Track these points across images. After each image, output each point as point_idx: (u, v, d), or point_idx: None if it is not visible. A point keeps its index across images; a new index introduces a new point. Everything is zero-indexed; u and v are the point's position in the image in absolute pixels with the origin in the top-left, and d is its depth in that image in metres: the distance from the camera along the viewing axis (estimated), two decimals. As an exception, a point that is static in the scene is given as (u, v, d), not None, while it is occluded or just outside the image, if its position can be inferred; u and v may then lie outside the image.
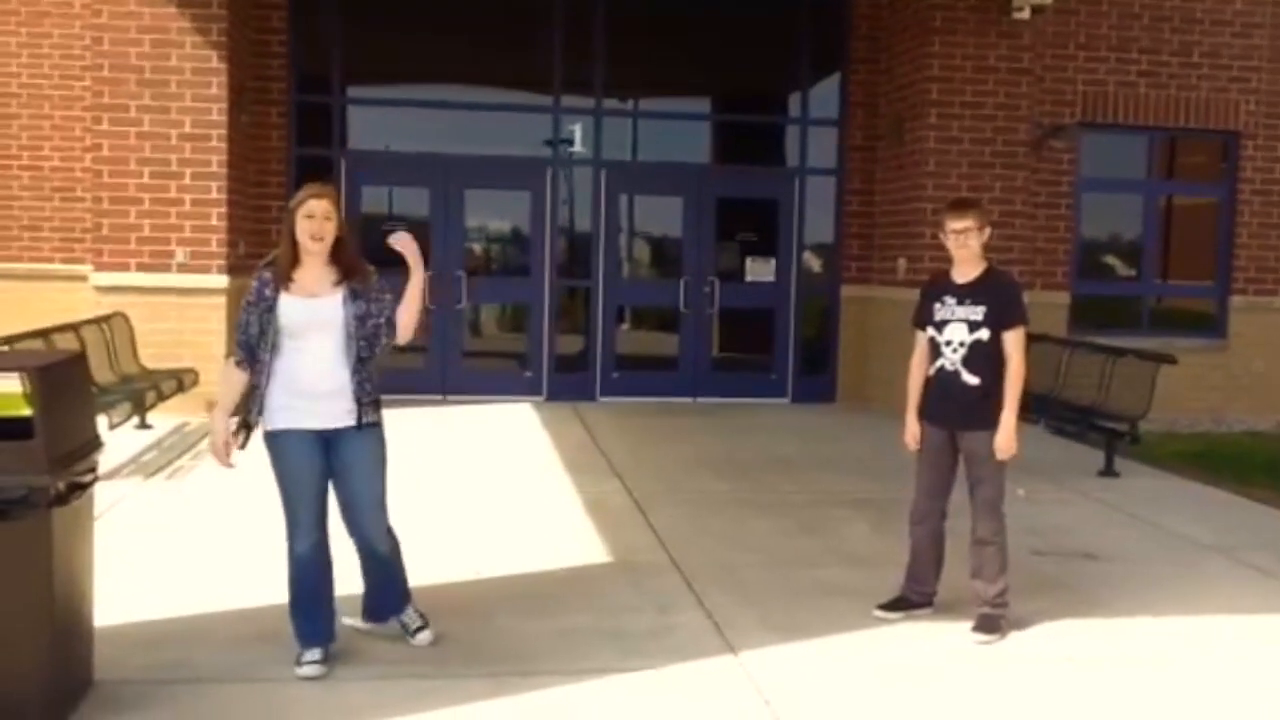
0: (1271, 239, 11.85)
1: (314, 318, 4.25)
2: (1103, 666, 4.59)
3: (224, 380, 4.35)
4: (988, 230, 4.97)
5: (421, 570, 5.48)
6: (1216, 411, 11.45)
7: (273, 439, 4.32)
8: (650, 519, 6.73)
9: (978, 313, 4.88)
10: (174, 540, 6.06)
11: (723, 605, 5.14)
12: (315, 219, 4.30)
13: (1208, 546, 6.57)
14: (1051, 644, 4.83)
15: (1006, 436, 4.86)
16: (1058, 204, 11.44)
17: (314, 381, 4.25)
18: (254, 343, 4.25)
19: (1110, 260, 12.45)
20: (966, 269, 4.98)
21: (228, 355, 4.19)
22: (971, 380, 4.91)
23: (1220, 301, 11.95)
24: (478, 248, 11.79)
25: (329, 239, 4.30)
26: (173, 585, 5.27)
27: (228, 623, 4.80)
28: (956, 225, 4.93)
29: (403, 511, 6.82)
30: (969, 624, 4.94)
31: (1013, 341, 4.87)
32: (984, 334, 4.87)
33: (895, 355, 11.22)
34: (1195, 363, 10.51)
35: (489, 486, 7.48)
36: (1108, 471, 8.49)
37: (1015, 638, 4.89)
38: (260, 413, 4.30)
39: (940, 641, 4.82)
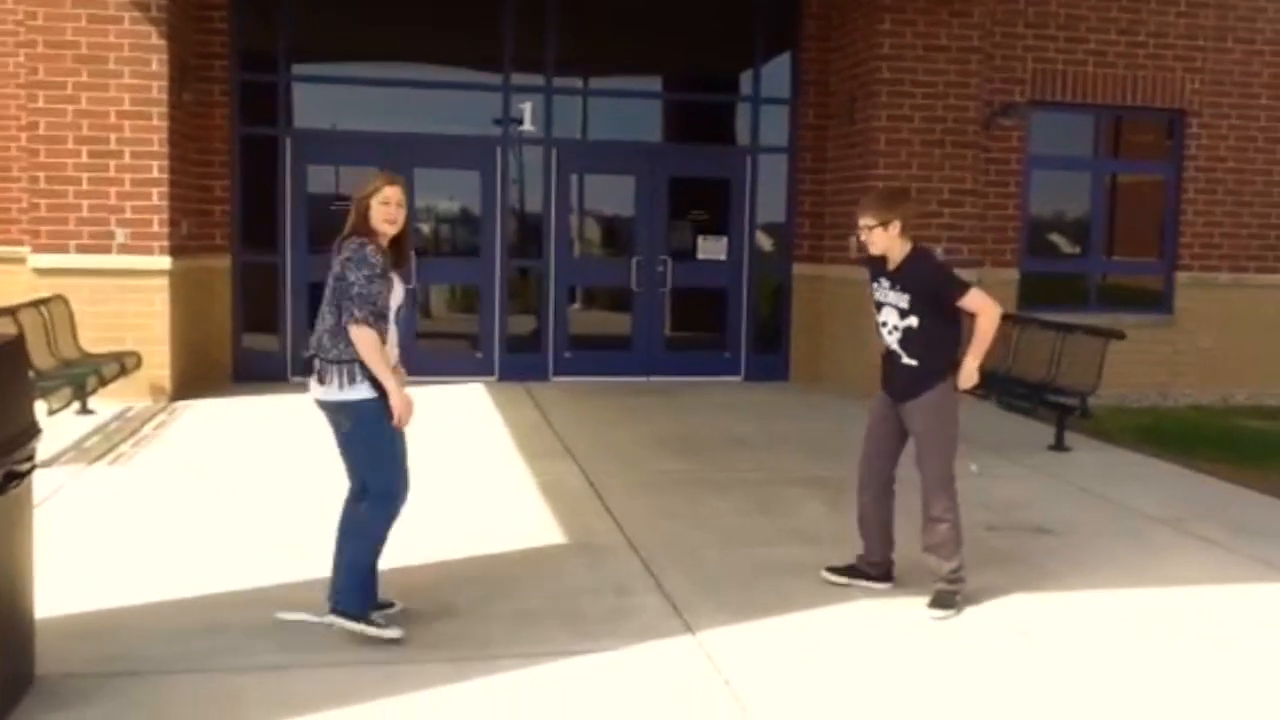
0: (1216, 216, 12.00)
1: (401, 297, 4.47)
2: (1057, 640, 4.62)
3: (374, 344, 4.26)
4: (896, 224, 4.91)
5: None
6: (1163, 386, 11.61)
7: (383, 406, 4.33)
8: (606, 501, 6.68)
9: (904, 300, 4.94)
10: (116, 528, 5.92)
11: (681, 586, 5.11)
12: (391, 205, 4.41)
13: (1156, 518, 6.64)
14: (1006, 618, 4.86)
15: (966, 375, 4.91)
16: (1007, 182, 11.50)
17: (394, 356, 4.45)
18: (383, 313, 4.30)
19: (1058, 237, 12.56)
20: (892, 255, 4.99)
21: (357, 321, 4.21)
22: (909, 362, 5.00)
23: (1166, 278, 12.08)
24: (428, 228, 11.64)
25: (400, 225, 4.42)
26: (116, 574, 5.15)
27: (173, 612, 4.69)
28: (859, 223, 5.01)
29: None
30: (926, 599, 4.95)
31: (969, 304, 4.89)
32: (913, 321, 4.93)
33: (847, 334, 11.29)
34: (1142, 338, 10.60)
35: (442, 469, 7.37)
36: (1058, 446, 8.57)
37: (971, 612, 4.91)
38: (355, 381, 4.28)
39: (896, 617, 4.83)
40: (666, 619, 4.70)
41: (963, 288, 4.90)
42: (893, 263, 4.99)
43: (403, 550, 5.49)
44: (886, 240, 4.94)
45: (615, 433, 8.84)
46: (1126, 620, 4.88)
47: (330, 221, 11.55)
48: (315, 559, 5.33)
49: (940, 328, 4.92)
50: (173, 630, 4.49)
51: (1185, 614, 4.99)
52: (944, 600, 4.92)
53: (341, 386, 4.27)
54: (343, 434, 4.43)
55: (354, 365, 4.24)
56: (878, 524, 5.21)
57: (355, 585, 4.41)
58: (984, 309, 4.91)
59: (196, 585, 4.99)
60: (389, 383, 4.30)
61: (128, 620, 4.61)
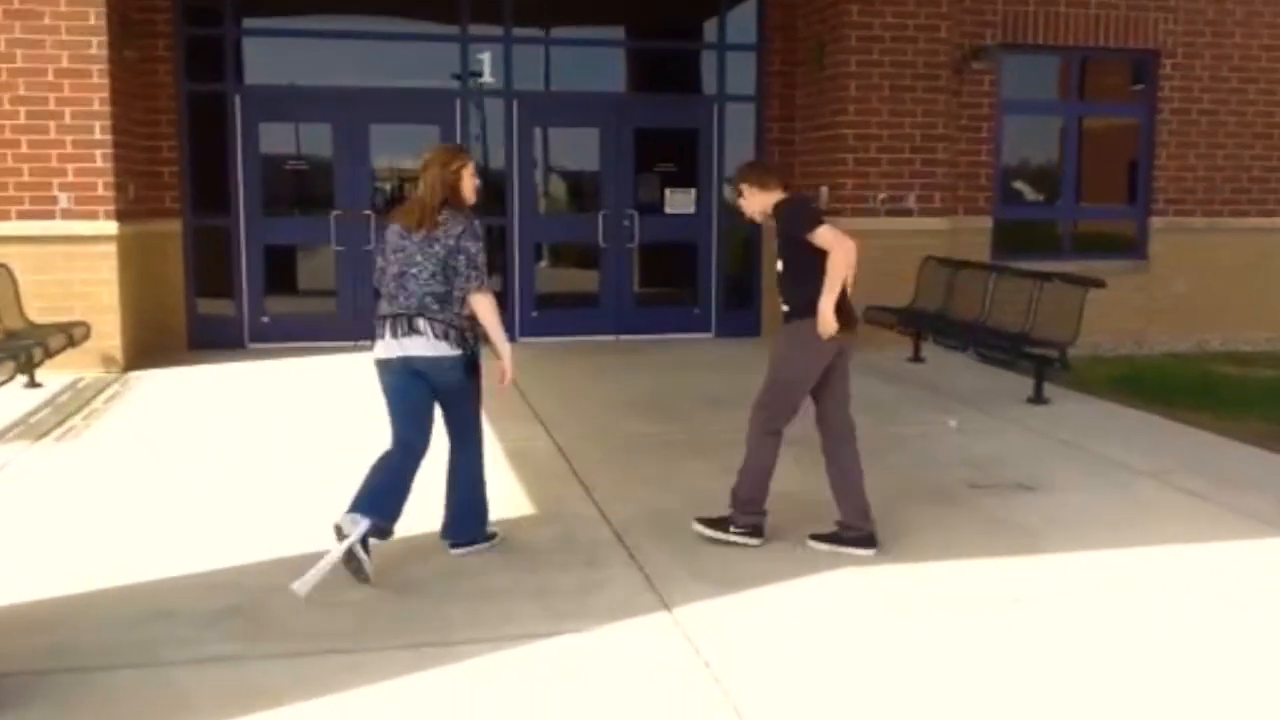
0: (1190, 159, 11.82)
1: None
2: (1050, 607, 4.43)
3: (495, 308, 4.78)
4: (747, 187, 5.09)
5: (327, 531, 5.15)
6: (1138, 334, 11.47)
7: (471, 364, 4.82)
8: (576, 466, 6.45)
9: (777, 247, 5.08)
10: (62, 509, 5.63)
11: (655, 557, 4.89)
12: (475, 177, 4.79)
13: (1140, 471, 6.48)
14: (996, 585, 4.66)
15: (821, 319, 4.81)
16: (979, 127, 11.26)
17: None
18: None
19: (1032, 184, 12.35)
20: (767, 212, 5.08)
21: (479, 288, 4.67)
22: (783, 306, 5.10)
23: (1140, 223, 11.92)
24: (386, 185, 11.28)
25: None
26: (60, 560, 4.87)
27: (119, 600, 4.43)
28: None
29: (308, 466, 6.49)
30: (912, 567, 4.77)
31: (817, 240, 4.79)
32: (779, 265, 5.07)
33: (819, 286, 11.03)
34: (1116, 285, 10.32)
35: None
36: (1037, 399, 8.40)
37: (960, 578, 4.72)
38: (460, 341, 4.68)
39: (884, 586, 4.62)
40: (640, 594, 4.47)
41: (810, 225, 4.82)
42: (769, 216, 5.05)
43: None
44: (751, 203, 5.09)
45: (585, 394, 8.60)
46: (1121, 583, 4.69)
47: (284, 182, 11.32)
48: (270, 537, 5.11)
49: (800, 270, 4.90)
50: (118, 620, 4.22)
51: (1182, 574, 4.81)
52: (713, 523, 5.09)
53: (452, 345, 4.62)
54: (455, 384, 4.75)
55: (460, 328, 4.64)
56: (832, 481, 5.14)
57: (481, 514, 4.97)
58: (833, 245, 4.77)
59: (145, 569, 4.72)
60: (504, 343, 4.88)
61: (71, 610, 4.35)
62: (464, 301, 4.65)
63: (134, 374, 9.32)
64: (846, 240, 4.78)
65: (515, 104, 11.06)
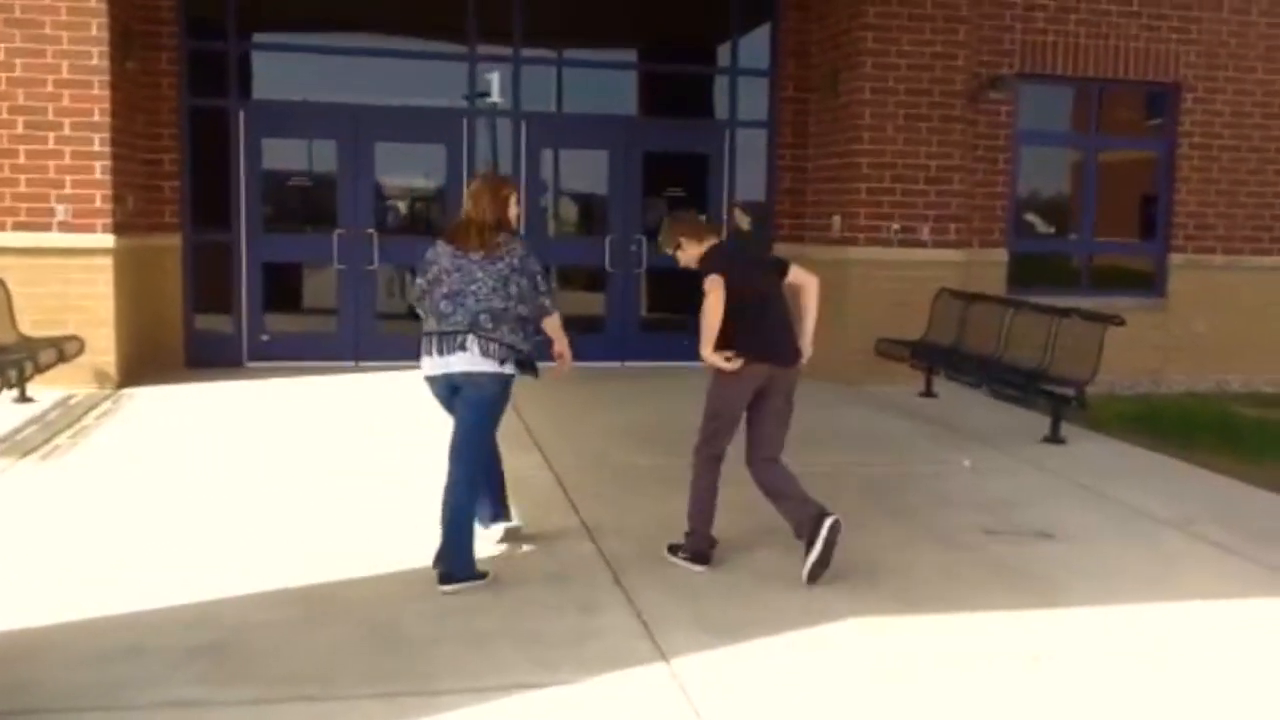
0: (1210, 195, 11.59)
1: None
2: (1072, 667, 4.16)
3: (561, 326, 5.12)
4: (691, 245, 5.21)
5: (313, 562, 4.93)
6: (1156, 372, 11.21)
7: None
8: (573, 498, 6.21)
9: None
10: (39, 532, 5.40)
11: (653, 601, 4.63)
12: (519, 204, 5.10)
13: (1164, 521, 6.21)
14: (1014, 641, 4.39)
15: (705, 360, 5.10)
16: (995, 158, 11.04)
17: None
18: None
19: (1048, 217, 12.13)
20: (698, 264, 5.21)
21: (553, 311, 5.02)
22: None
23: (1159, 259, 11.68)
24: (390, 204, 11.09)
25: None
26: (30, 587, 4.64)
27: (89, 633, 4.18)
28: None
29: (300, 490, 6.25)
30: (924, 619, 4.52)
31: (705, 286, 5.04)
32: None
33: (829, 317, 10.73)
34: (1134, 322, 10.02)
35: (397, 462, 6.88)
36: (1053, 438, 8.13)
37: (977, 633, 4.45)
38: (508, 361, 4.83)
39: (895, 637, 4.36)
40: (636, 641, 4.22)
41: (705, 273, 5.03)
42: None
43: (345, 558, 5.03)
44: (686, 254, 5.23)
45: (586, 423, 8.36)
46: (1148, 643, 4.42)
47: (287, 198, 11.14)
48: (255, 567, 4.86)
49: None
50: (86, 656, 3.98)
51: (1215, 633, 4.54)
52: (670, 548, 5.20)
53: (501, 362, 4.76)
54: (479, 399, 4.86)
55: (506, 344, 4.75)
56: (767, 494, 5.29)
57: (465, 549, 4.85)
58: (706, 292, 5.00)
59: (121, 600, 4.48)
60: (568, 349, 5.20)
61: (38, 643, 4.11)
62: (530, 322, 4.88)
63: (128, 391, 9.11)
64: (715, 291, 4.95)
65: (523, 125, 10.88)
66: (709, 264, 5.10)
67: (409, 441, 7.49)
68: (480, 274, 4.72)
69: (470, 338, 4.69)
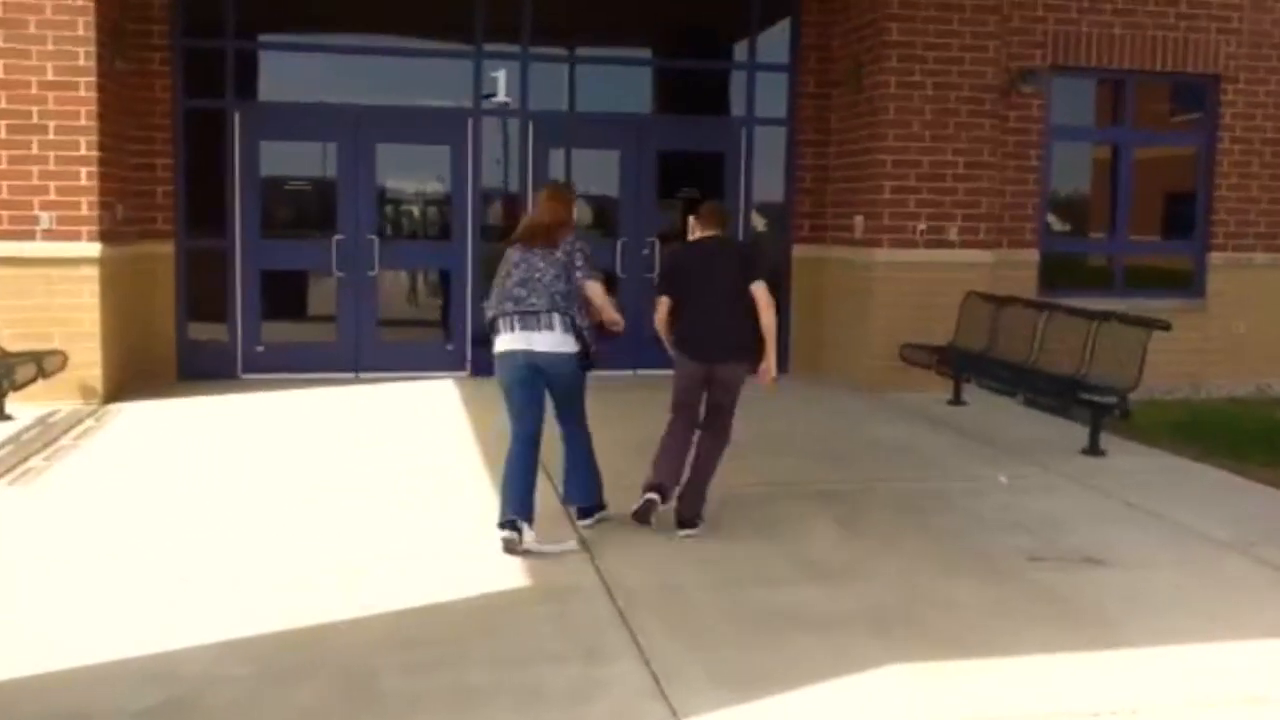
0: (1252, 191, 11.04)
1: None
2: (1139, 721, 3.67)
3: (604, 291, 5.53)
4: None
5: (292, 599, 4.48)
6: (1195, 376, 10.66)
7: None
8: (580, 526, 5.73)
9: None
10: (-5, 569, 4.96)
11: (664, 648, 4.14)
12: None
13: (1221, 543, 5.69)
14: (1071, 692, 3.88)
15: None
16: (1027, 154, 10.52)
17: None
18: None
19: (1081, 216, 11.60)
20: None
21: (588, 276, 5.43)
22: None
23: (1198, 259, 11.13)
24: (392, 208, 10.65)
25: None
26: (-26, 636, 4.19)
27: (30, 693, 3.73)
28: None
29: (287, 518, 5.79)
30: (968, 665, 4.03)
31: None
32: None
33: (852, 321, 10.33)
34: (1172, 323, 9.68)
35: (389, 485, 6.43)
36: (1093, 450, 7.62)
37: (1031, 685, 3.93)
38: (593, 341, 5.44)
39: (935, 694, 3.86)
40: (646, 700, 3.72)
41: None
42: None
43: (326, 594, 4.58)
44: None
45: (596, 438, 7.85)
46: (1225, 693, 3.92)
47: (285, 203, 10.72)
48: (227, 611, 4.40)
49: None
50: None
51: (1286, 679, 4.04)
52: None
53: (574, 343, 5.34)
54: (568, 380, 5.48)
55: (580, 327, 5.34)
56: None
57: (599, 484, 5.73)
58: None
59: (72, 651, 4.03)
60: (612, 310, 5.56)
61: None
62: (580, 297, 5.34)
63: (114, 406, 8.69)
64: (659, 298, 5.89)
65: (531, 125, 10.42)
66: (662, 267, 5.97)
67: (408, 460, 7.05)
68: (542, 263, 5.33)
69: (555, 316, 5.25)
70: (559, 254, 5.36)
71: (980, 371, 8.83)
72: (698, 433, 5.87)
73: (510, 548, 5.11)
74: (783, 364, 10.72)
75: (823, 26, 10.70)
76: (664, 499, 5.64)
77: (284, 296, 10.49)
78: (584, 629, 4.33)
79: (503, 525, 5.19)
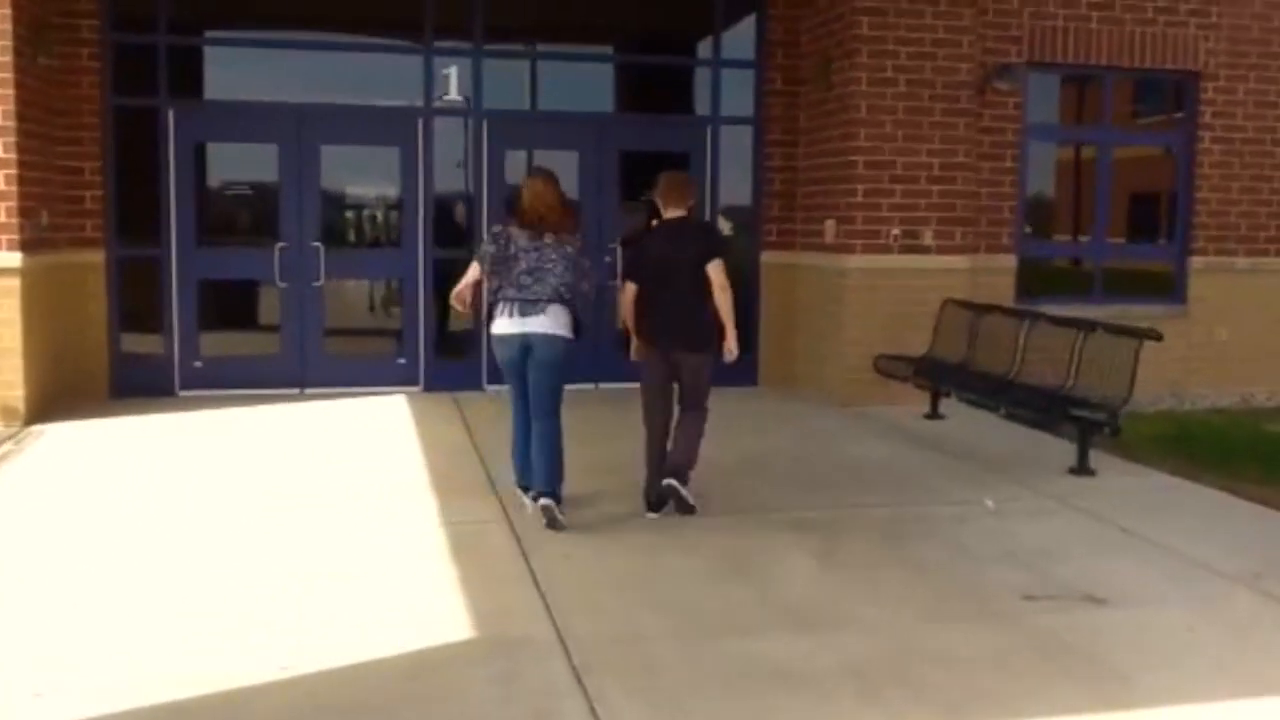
0: (1233, 193, 10.67)
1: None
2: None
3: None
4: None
5: (211, 662, 3.96)
6: (1176, 385, 10.28)
7: None
8: (533, 561, 5.22)
9: None
10: None
11: (626, 713, 3.65)
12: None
13: (1227, 575, 5.26)
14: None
15: None
16: (1002, 155, 10.10)
17: None
18: None
19: (1057, 218, 11.22)
20: None
21: (591, 285, 5.95)
22: None
23: (1178, 263, 10.76)
24: (338, 214, 10.08)
25: None
26: None
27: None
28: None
29: (205, 559, 5.09)
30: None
31: None
32: None
33: (824, 331, 9.86)
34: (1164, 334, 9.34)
35: (327, 518, 5.89)
36: (1081, 469, 7.20)
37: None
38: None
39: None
40: (603, 788, 3.24)
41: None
42: None
43: (247, 654, 4.04)
44: None
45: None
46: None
47: (223, 209, 10.14)
48: (127, 677, 3.85)
49: None
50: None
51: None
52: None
53: (567, 329, 5.74)
54: (553, 359, 5.74)
55: (576, 318, 5.79)
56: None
57: (561, 470, 5.85)
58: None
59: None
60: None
61: None
62: (585, 296, 5.81)
63: (37, 428, 8.09)
64: (624, 286, 6.14)
65: (485, 124, 9.88)
66: (626, 253, 6.29)
67: (351, 485, 6.50)
68: (554, 255, 5.71)
69: (554, 306, 5.66)
70: (569, 249, 5.75)
71: (959, 384, 8.40)
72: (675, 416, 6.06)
73: (551, 519, 5.68)
74: (751, 377, 10.37)
75: (790, 21, 10.25)
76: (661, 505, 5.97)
77: (224, 308, 9.90)
78: (532, 692, 3.82)
79: (526, 489, 5.97)
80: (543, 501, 5.71)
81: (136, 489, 6.47)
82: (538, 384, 5.76)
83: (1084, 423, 7.16)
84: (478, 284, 5.93)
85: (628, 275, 6.11)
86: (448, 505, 6.12)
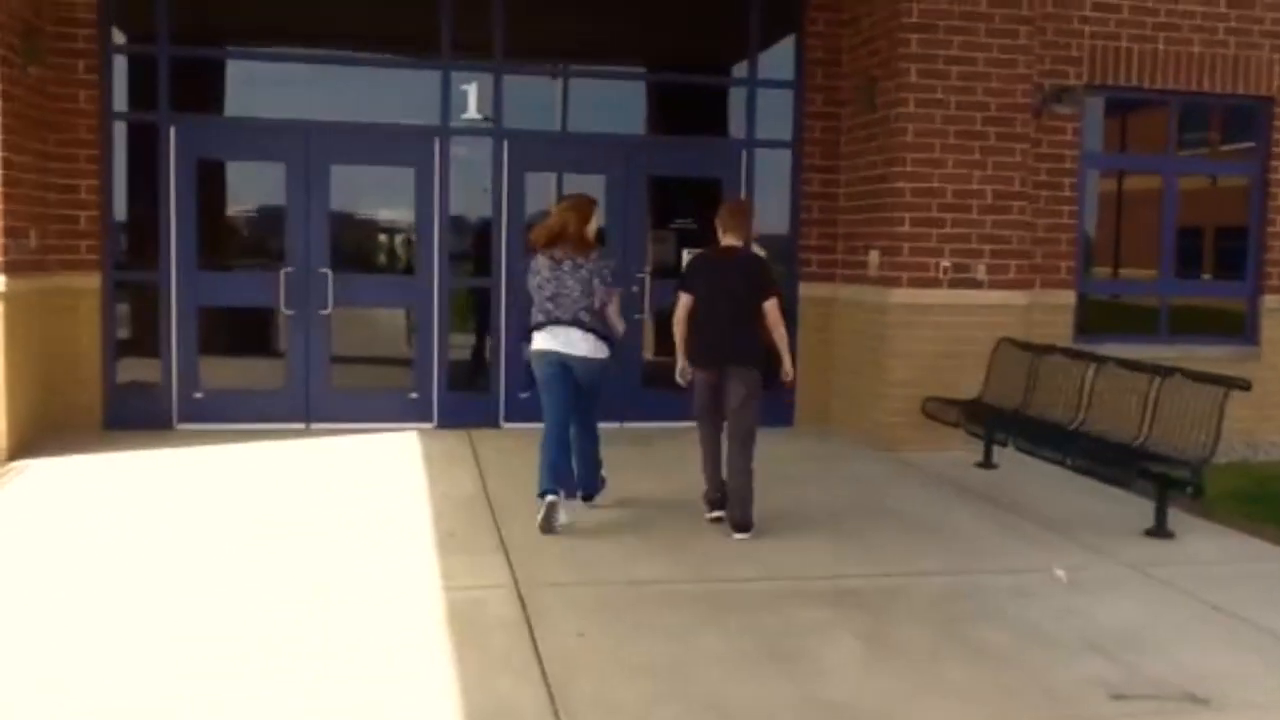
0: (1309, 227, 9.92)
1: None
2: None
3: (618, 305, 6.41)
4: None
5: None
6: (1250, 434, 9.46)
7: None
8: (540, 640, 4.54)
9: None
10: None
11: None
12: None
13: (1346, 667, 4.52)
14: None
15: None
16: (1060, 183, 9.40)
17: None
18: None
19: (1120, 252, 10.48)
20: None
21: (608, 291, 6.26)
22: None
23: (1250, 301, 9.99)
24: (348, 237, 9.48)
25: None
26: None
27: None
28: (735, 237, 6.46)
29: (170, 637, 4.24)
30: None
31: None
32: None
33: (865, 370, 9.12)
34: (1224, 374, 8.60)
35: (314, 581, 5.24)
36: (1159, 531, 6.46)
37: None
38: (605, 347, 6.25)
39: None
40: None
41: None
42: None
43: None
44: None
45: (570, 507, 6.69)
46: None
47: (226, 231, 9.57)
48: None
49: None
50: None
51: None
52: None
53: (600, 349, 6.15)
54: (589, 378, 6.17)
55: (605, 335, 6.17)
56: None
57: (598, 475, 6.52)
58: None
59: None
60: (620, 321, 6.34)
61: None
62: (602, 309, 6.14)
63: (21, 464, 7.52)
64: (678, 305, 6.34)
65: (506, 145, 9.28)
66: (685, 268, 6.83)
67: (331, 539, 5.84)
68: (571, 280, 6.08)
69: (578, 330, 6.06)
70: (584, 271, 6.08)
71: (1018, 432, 7.65)
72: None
73: (550, 516, 6.00)
74: (786, 416, 9.67)
75: (831, 39, 9.61)
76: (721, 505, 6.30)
77: (225, 336, 9.31)
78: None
79: (542, 494, 6.06)
80: (549, 499, 6.03)
81: (122, 534, 5.88)
82: (578, 403, 6.23)
83: (1163, 479, 6.41)
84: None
85: (682, 288, 6.35)
86: (449, 565, 5.46)
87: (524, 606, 4.92)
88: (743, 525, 6.08)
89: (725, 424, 6.23)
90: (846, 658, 4.48)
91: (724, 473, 6.23)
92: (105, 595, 4.94)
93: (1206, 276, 10.68)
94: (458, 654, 4.35)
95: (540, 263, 6.17)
